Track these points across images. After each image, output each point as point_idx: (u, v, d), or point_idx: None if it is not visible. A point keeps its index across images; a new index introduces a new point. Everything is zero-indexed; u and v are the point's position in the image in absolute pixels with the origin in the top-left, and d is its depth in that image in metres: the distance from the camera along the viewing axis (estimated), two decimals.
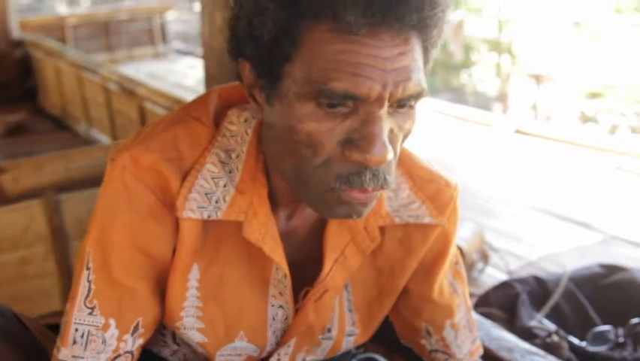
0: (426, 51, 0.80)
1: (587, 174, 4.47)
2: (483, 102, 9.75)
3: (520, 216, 3.67)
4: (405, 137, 0.84)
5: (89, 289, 0.91)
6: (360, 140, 0.77)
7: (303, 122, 0.78)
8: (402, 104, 0.79)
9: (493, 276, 2.81)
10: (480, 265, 2.82)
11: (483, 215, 3.60)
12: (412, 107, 0.81)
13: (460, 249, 2.52)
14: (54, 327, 1.27)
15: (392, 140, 0.80)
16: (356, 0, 0.71)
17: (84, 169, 1.70)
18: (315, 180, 0.81)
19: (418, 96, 0.79)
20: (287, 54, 0.77)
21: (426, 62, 0.81)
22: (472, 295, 2.38)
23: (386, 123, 0.78)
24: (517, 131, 5.45)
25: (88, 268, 0.91)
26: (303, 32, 0.75)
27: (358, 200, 0.81)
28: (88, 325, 0.91)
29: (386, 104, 0.77)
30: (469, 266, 2.71)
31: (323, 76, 0.74)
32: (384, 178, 0.80)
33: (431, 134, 5.21)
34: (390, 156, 0.78)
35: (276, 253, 0.93)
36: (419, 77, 0.78)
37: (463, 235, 2.66)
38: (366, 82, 0.74)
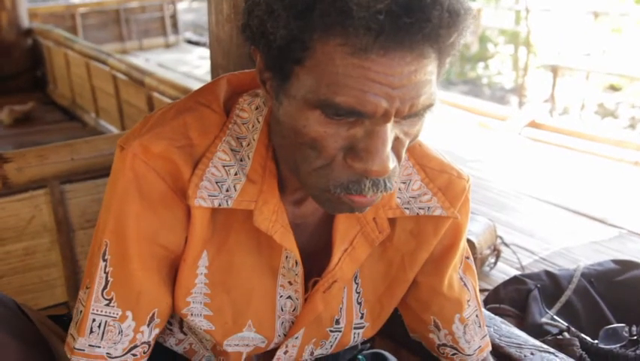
0: (441, 62, 0.79)
1: (604, 168, 4.42)
2: (499, 94, 9.71)
3: (533, 211, 3.64)
4: (412, 140, 0.83)
5: (107, 281, 0.91)
6: (363, 151, 0.77)
7: (308, 126, 0.78)
8: (410, 115, 0.78)
9: (504, 271, 2.79)
10: (492, 260, 2.79)
11: (496, 209, 3.57)
12: (420, 116, 0.80)
13: (471, 244, 2.52)
14: (58, 318, 1.27)
15: (396, 147, 0.80)
16: (368, 27, 0.69)
17: (90, 159, 1.67)
18: (315, 181, 0.82)
19: (426, 109, 0.78)
20: (298, 58, 0.76)
21: (441, 69, 0.79)
22: (483, 290, 2.35)
23: (391, 134, 0.77)
24: (532, 125, 5.41)
25: (105, 260, 0.91)
26: (315, 42, 0.73)
27: (358, 203, 0.82)
28: (105, 315, 0.92)
29: (392, 118, 0.76)
30: (481, 261, 2.69)
31: (330, 89, 0.74)
32: (385, 185, 0.81)
33: (445, 127, 5.17)
34: (392, 167, 0.78)
35: (287, 240, 0.92)
36: (430, 91, 0.77)
37: (474, 230, 2.63)
38: (373, 99, 0.73)
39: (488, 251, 2.71)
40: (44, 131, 4.85)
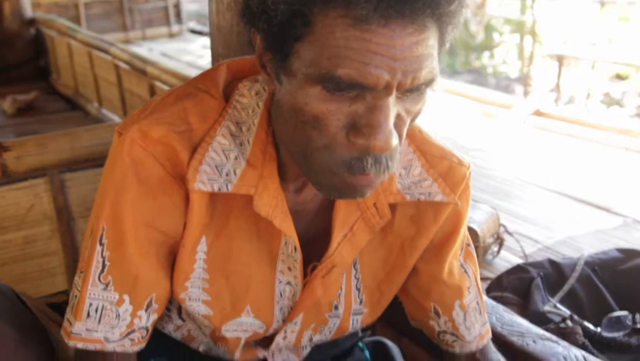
0: (442, 36, 0.78)
1: (609, 156, 4.40)
2: (504, 84, 9.66)
3: (537, 200, 3.62)
4: (413, 119, 0.82)
5: (104, 265, 0.91)
6: (365, 126, 0.76)
7: (310, 103, 0.77)
8: (411, 90, 0.77)
9: (507, 260, 2.77)
10: (495, 248, 2.78)
11: (499, 198, 3.56)
12: (421, 92, 0.79)
13: (474, 232, 2.51)
14: (57, 306, 1.27)
15: (398, 124, 0.79)
16: None
17: (89, 148, 1.67)
18: (318, 163, 0.81)
19: (428, 84, 0.78)
20: (298, 35, 0.75)
21: (441, 45, 0.79)
22: (486, 278, 2.35)
23: (393, 110, 0.77)
24: (537, 113, 5.39)
25: (102, 244, 0.91)
26: (315, 15, 0.73)
27: (360, 184, 0.81)
28: (102, 300, 0.91)
29: (394, 91, 0.75)
30: (484, 250, 2.67)
31: (331, 62, 0.73)
32: (387, 164, 0.80)
33: (449, 116, 5.15)
34: (394, 143, 0.77)
35: (286, 226, 0.92)
36: (431, 66, 0.76)
37: (477, 218, 2.61)
38: (375, 72, 0.72)
39: (491, 240, 2.70)
40: (47, 121, 4.84)
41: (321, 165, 0.81)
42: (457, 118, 5.25)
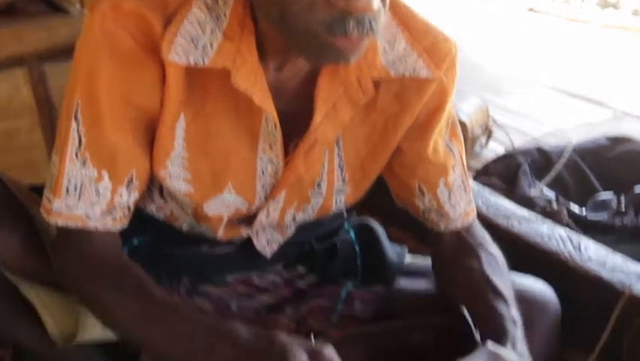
0: None
1: (603, 52, 4.35)
2: None
3: (528, 94, 3.59)
4: None
5: (80, 142, 0.89)
6: None
7: None
8: None
9: (496, 151, 2.77)
10: (483, 139, 2.77)
11: (490, 92, 3.51)
12: None
13: (462, 124, 2.49)
14: (39, 189, 1.25)
15: None
16: None
17: (68, 38, 1.64)
18: (298, 24, 0.78)
19: None
20: None
21: None
22: (473, 169, 2.35)
23: None
24: (531, 10, 5.29)
25: (76, 120, 0.89)
26: None
27: (344, 46, 0.78)
28: (80, 176, 0.91)
29: None
30: (472, 141, 2.66)
31: None
32: (370, 25, 0.77)
33: (440, 10, 5.04)
34: (376, 3, 0.74)
35: (266, 103, 0.90)
36: None
37: (466, 110, 2.59)
38: None
39: (479, 131, 2.69)
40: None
41: (301, 26, 0.78)
42: (450, 13, 5.13)
